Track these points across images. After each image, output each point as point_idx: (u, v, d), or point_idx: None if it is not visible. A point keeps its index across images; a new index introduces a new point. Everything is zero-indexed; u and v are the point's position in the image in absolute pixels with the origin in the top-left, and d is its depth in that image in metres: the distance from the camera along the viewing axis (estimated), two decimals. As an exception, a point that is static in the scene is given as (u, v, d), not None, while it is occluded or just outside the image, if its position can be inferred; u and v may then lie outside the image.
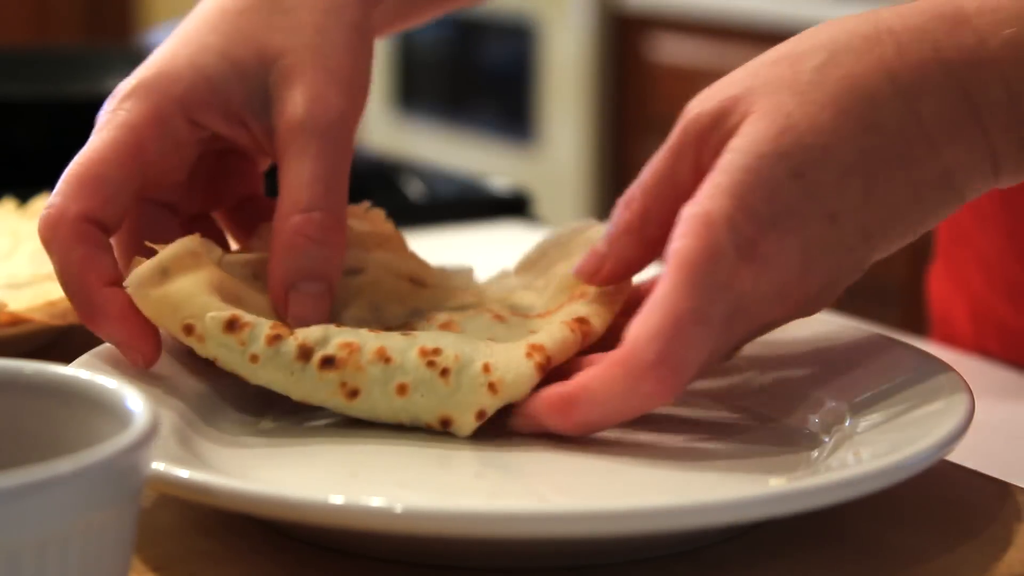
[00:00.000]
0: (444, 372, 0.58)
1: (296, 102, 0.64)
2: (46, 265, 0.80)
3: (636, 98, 2.89)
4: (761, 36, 2.56)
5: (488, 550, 0.51)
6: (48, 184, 0.96)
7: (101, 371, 0.58)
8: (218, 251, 0.64)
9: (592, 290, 0.64)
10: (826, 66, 0.57)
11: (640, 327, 0.55)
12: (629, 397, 0.55)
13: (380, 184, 1.36)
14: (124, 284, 0.60)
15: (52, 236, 0.61)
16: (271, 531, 0.53)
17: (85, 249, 0.61)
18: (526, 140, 3.20)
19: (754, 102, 0.57)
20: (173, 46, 0.66)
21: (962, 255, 0.93)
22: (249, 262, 0.64)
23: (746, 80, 0.58)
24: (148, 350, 0.61)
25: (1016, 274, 0.87)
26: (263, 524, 0.53)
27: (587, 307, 0.63)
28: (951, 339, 0.93)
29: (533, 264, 0.70)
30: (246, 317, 0.60)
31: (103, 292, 0.60)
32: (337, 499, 0.47)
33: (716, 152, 0.57)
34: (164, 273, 0.60)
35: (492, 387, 0.58)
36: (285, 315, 0.62)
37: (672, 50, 2.71)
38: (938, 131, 0.57)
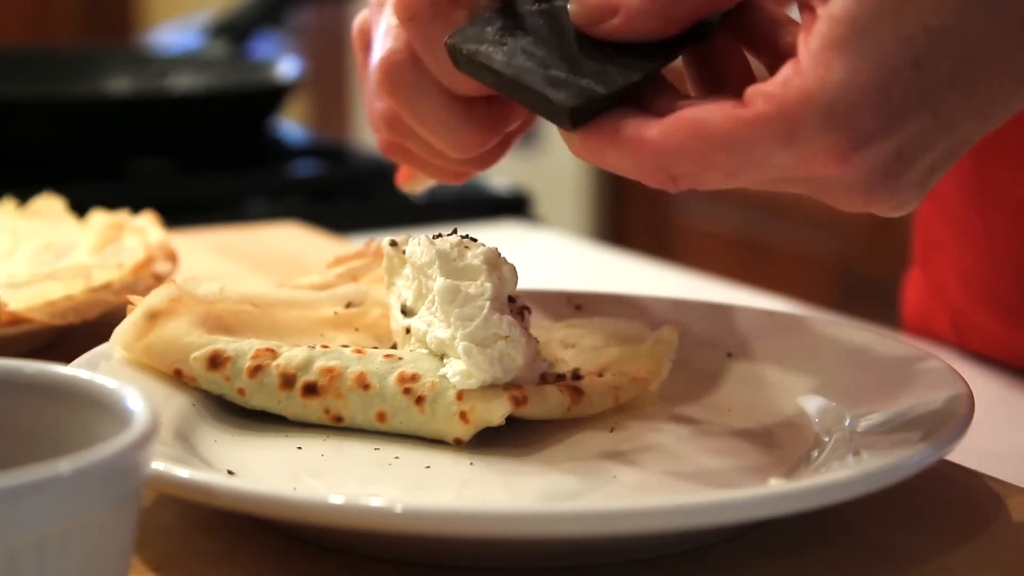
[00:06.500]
0: (419, 400, 0.59)
1: None
2: (46, 265, 0.80)
3: (636, 98, 2.88)
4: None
5: (488, 550, 0.51)
6: (48, 184, 0.96)
7: (101, 371, 0.59)
8: (212, 286, 0.64)
9: (605, 378, 0.63)
10: None
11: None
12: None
13: (380, 184, 1.36)
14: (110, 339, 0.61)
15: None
16: (271, 531, 0.53)
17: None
18: (526, 140, 3.20)
19: None
20: None
21: (939, 264, 0.91)
22: (247, 297, 0.65)
23: None
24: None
25: (995, 285, 0.86)
26: (263, 524, 0.53)
27: (591, 387, 0.62)
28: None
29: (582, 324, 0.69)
30: (227, 350, 0.60)
31: None
32: (337, 499, 0.47)
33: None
34: (152, 318, 0.61)
35: (463, 416, 0.58)
36: None
37: (672, 50, 2.70)
38: None
